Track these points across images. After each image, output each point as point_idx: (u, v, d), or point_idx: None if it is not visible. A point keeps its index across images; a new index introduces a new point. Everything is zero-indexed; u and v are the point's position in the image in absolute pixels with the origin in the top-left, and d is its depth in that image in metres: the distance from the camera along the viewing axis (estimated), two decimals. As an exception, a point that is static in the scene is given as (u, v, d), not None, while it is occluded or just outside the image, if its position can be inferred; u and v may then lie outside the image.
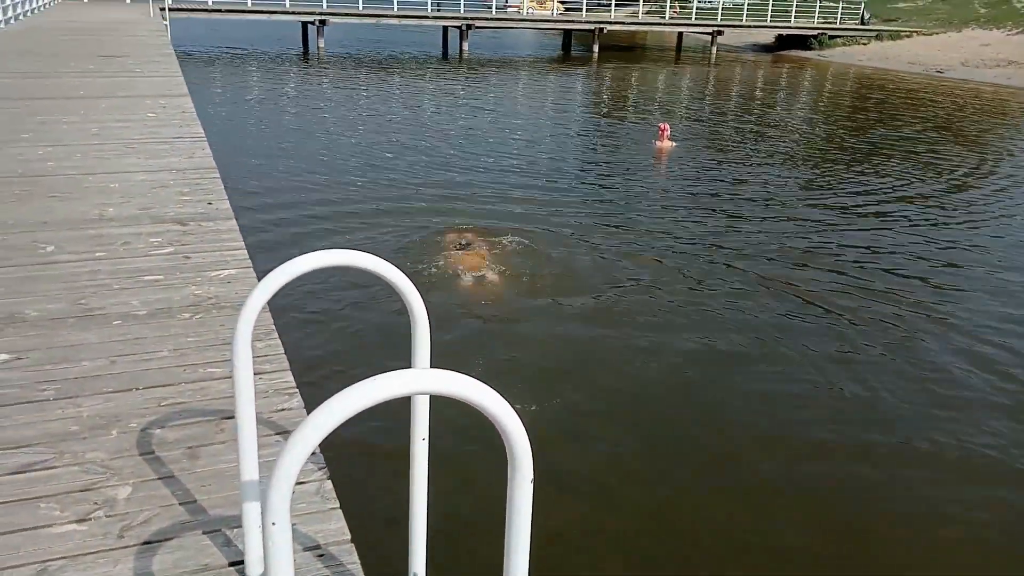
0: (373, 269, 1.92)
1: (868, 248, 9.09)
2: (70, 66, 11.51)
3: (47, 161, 6.00)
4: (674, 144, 14.22)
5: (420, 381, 1.32)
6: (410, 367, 2.05)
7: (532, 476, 1.37)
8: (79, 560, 2.04)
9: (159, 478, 2.38)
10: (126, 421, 2.66)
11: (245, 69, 25.12)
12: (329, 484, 2.38)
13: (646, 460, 4.96)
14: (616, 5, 36.65)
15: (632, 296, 7.41)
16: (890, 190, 12.08)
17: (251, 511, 1.92)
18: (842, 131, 17.69)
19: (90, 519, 2.19)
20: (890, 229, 9.98)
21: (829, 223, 10.11)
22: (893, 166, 13.76)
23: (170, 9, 25.13)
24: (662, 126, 14.50)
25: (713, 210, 10.45)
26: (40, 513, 2.20)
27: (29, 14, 21.04)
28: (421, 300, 1.99)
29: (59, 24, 19.10)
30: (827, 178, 12.78)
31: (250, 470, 1.91)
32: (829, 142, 16.33)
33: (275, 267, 1.90)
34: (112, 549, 2.08)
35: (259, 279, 3.92)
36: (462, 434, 3.51)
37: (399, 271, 1.95)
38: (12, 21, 18.40)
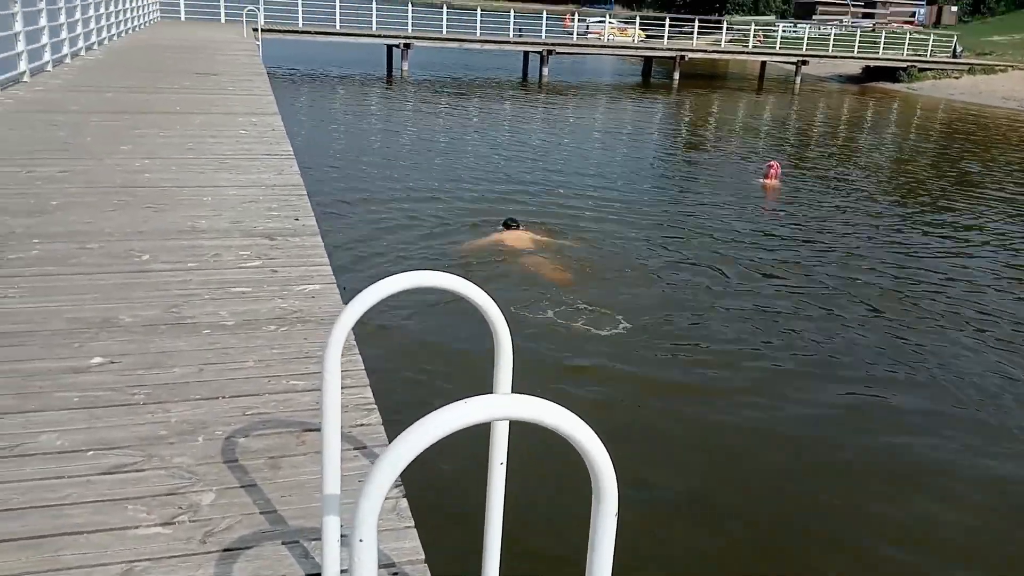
0: (461, 291, 1.93)
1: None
2: (168, 82, 12.02)
3: (144, 173, 6.27)
4: (781, 183, 13.60)
5: (511, 407, 1.32)
6: (491, 390, 2.06)
7: (616, 511, 1.35)
8: (163, 563, 2.09)
9: (241, 486, 2.43)
10: (212, 428, 2.73)
11: (331, 89, 25.86)
12: (405, 503, 2.40)
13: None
14: (698, 33, 36.48)
15: (732, 335, 7.26)
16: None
17: (331, 524, 1.94)
18: (947, 168, 17.07)
19: (175, 523, 2.25)
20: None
21: (962, 274, 9.52)
22: (1000, 205, 13.27)
23: (262, 30, 26.06)
24: (772, 164, 13.85)
25: (827, 254, 9.94)
26: (128, 514, 2.28)
27: (132, 31, 22.12)
28: (506, 325, 1.99)
29: (159, 42, 20.00)
30: (948, 220, 12.29)
31: (332, 484, 1.94)
32: (939, 181, 15.65)
33: (358, 283, 1.94)
34: (195, 554, 2.13)
35: (341, 295, 4.01)
36: (542, 460, 3.49)
37: (485, 294, 1.96)
38: (116, 38, 19.37)
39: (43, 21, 12.62)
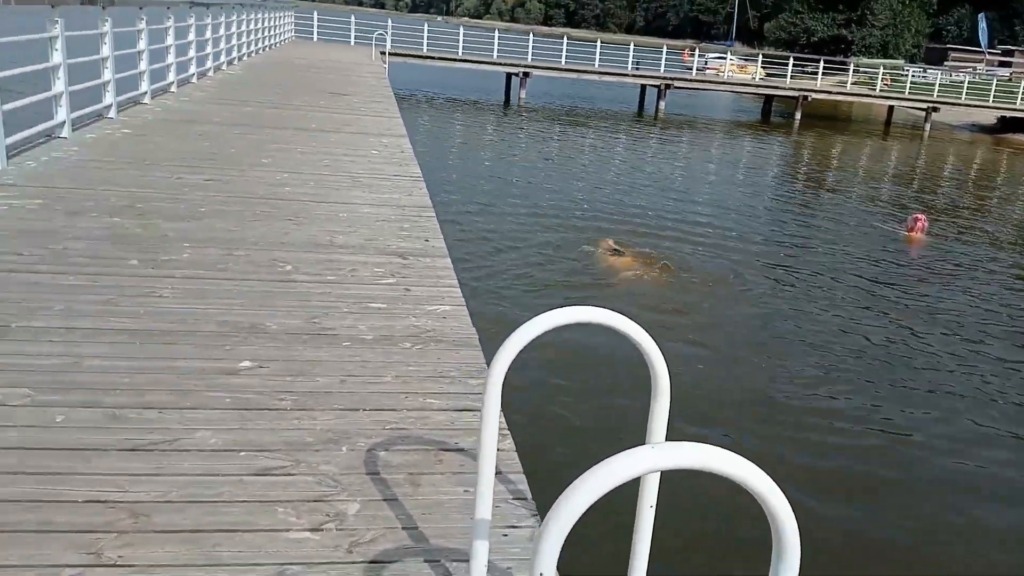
0: (623, 329, 1.93)
1: None
2: (303, 100, 12.58)
3: (285, 187, 6.56)
4: (927, 237, 12.78)
5: (701, 456, 1.30)
6: (643, 429, 2.05)
7: (798, 568, 1.32)
8: (313, 568, 2.16)
9: (384, 499, 2.49)
10: (355, 439, 2.81)
11: (450, 113, 26.51)
12: (542, 533, 2.40)
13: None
14: (823, 73, 35.61)
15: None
16: None
17: (480, 549, 1.97)
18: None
19: (322, 530, 2.32)
20: None
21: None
22: None
23: (389, 53, 26.97)
24: (919, 216, 13.05)
25: (981, 313, 9.29)
26: (279, 517, 2.36)
27: (268, 49, 23.29)
28: (665, 366, 1.98)
29: (293, 60, 20.97)
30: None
31: (484, 510, 1.96)
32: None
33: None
34: (342, 563, 2.19)
35: (471, 318, 4.08)
36: (693, 505, 3.37)
37: (646, 333, 1.96)
38: (253, 55, 20.43)
39: (191, 36, 13.44)
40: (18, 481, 2.43)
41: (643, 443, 2.12)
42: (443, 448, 2.81)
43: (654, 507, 2.01)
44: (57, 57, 7.44)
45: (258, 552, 2.20)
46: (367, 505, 2.45)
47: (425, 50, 30.35)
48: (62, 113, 7.65)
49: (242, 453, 2.67)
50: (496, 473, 2.68)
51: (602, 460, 1.30)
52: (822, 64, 35.60)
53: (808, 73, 38.05)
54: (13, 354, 3.25)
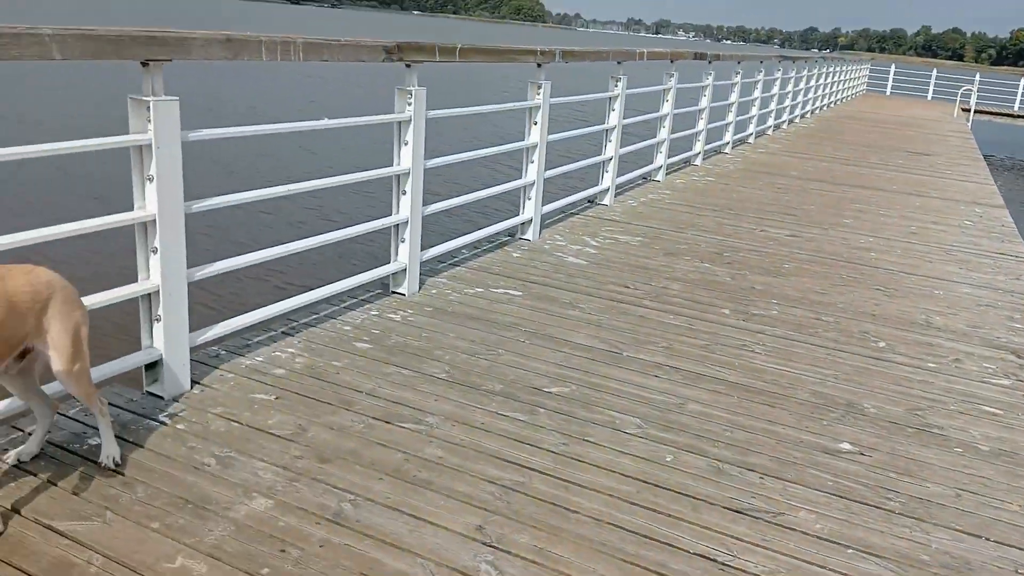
0: None
1: None
2: (878, 158, 11.96)
3: (869, 251, 6.21)
4: None
5: None
6: None
7: None
8: None
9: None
10: (978, 572, 2.41)
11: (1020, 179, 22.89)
12: None
13: None
14: None
15: None
16: None
17: None
18: None
19: (951, 677, 2.00)
20: None
21: None
22: None
23: (975, 111, 24.37)
24: None
25: None
26: (897, 641, 2.11)
27: (839, 103, 22.84)
28: None
29: (864, 115, 20.19)
30: None
31: None
32: None
33: None
34: None
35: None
36: None
37: None
38: (824, 109, 20.20)
39: (775, 89, 13.76)
40: (634, 512, 2.58)
41: None
42: (1104, 622, 2.24)
43: None
44: (666, 108, 8.17)
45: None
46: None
47: (1017, 108, 26.78)
48: (660, 159, 8.39)
49: (849, 551, 2.47)
50: None
51: None
52: None
53: None
54: (625, 381, 3.54)
